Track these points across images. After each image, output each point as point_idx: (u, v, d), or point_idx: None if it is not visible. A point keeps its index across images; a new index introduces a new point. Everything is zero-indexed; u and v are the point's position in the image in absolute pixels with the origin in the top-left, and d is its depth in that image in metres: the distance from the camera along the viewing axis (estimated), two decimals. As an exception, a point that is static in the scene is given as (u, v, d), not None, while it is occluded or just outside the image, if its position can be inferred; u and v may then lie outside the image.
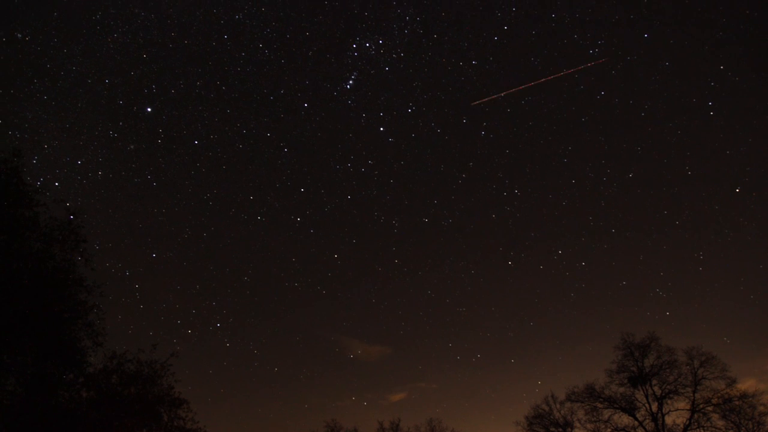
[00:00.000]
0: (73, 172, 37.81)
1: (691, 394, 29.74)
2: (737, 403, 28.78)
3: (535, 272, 45.99)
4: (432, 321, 47.65)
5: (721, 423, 28.93)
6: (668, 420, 29.98)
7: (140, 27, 38.00)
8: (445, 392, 49.83)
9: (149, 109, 39.66)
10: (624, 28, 39.95)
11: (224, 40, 40.02)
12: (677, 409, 30.07)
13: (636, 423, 30.40)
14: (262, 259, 46.60)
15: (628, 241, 45.70)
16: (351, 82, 41.66)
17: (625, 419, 30.68)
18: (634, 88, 42.63)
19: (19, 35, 34.59)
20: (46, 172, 36.48)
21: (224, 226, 44.38)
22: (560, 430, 31.68)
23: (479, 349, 49.97)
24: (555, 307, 47.62)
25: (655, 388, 30.71)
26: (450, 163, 45.89)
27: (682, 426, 29.56)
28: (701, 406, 29.43)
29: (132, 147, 40.39)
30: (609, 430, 30.76)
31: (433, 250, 48.26)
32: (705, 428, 29.12)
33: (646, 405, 30.65)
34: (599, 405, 31.23)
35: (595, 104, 43.46)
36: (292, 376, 47.44)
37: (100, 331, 16.45)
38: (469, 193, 45.99)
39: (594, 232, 44.77)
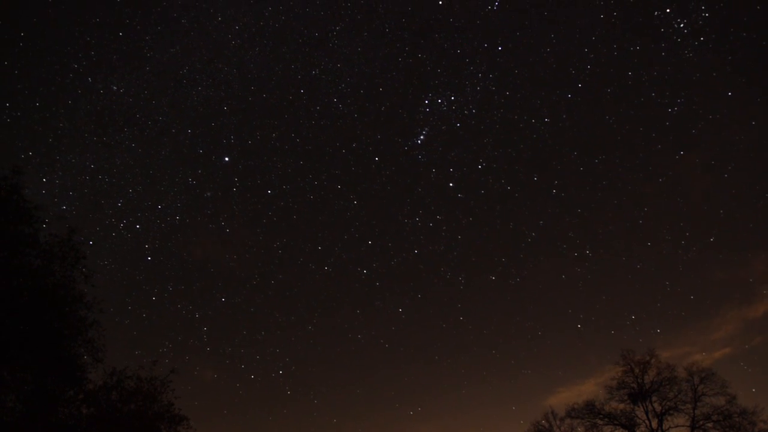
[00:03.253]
0: (154, 215, 39.67)
1: (691, 411, 29.67)
2: (737, 419, 28.67)
3: (606, 337, 43.31)
4: (495, 383, 45.88)
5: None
6: (668, 436, 29.94)
7: (222, 81, 40.28)
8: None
9: (227, 159, 41.66)
10: (705, 87, 39.04)
11: (300, 94, 41.33)
12: (677, 426, 30.01)
13: (636, 439, 30.36)
14: (327, 310, 46.27)
15: (708, 308, 43.56)
16: (422, 137, 41.91)
17: (625, 436, 30.64)
18: (716, 148, 41.07)
19: (115, 87, 37.30)
20: (129, 215, 38.95)
21: (292, 275, 44.74)
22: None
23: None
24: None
25: (655, 405, 30.62)
26: (519, 221, 44.34)
27: (682, 442, 29.53)
28: (701, 422, 29.34)
29: (209, 194, 41.95)
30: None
31: (499, 310, 46.88)
32: (705, 444, 29.07)
33: (646, 421, 30.58)
34: (599, 422, 31.13)
35: (673, 164, 41.85)
36: (350, 429, 47.43)
37: (100, 348, 16.40)
38: (538, 252, 44.49)
39: (670, 298, 42.70)
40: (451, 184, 42.89)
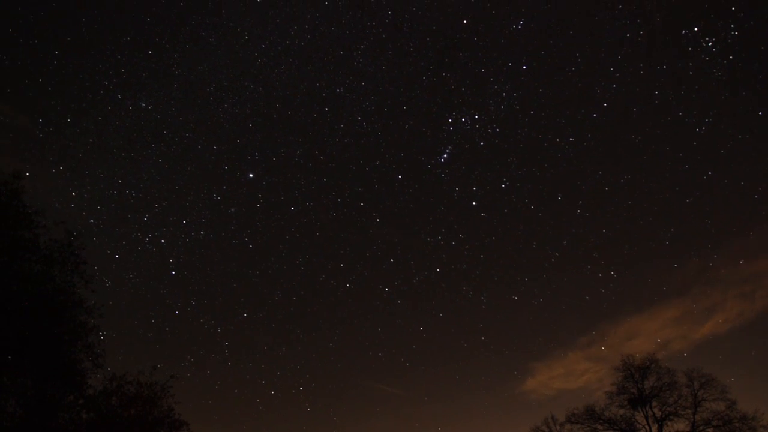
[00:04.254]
0: (178, 230, 40.08)
1: (691, 416, 29.61)
2: (737, 425, 28.59)
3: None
4: (516, 402, 45.41)
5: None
6: (668, 441, 29.93)
7: (248, 98, 40.50)
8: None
9: (251, 175, 41.69)
10: (733, 106, 38.03)
11: (324, 111, 41.32)
12: (677, 431, 29.97)
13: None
14: (348, 327, 46.05)
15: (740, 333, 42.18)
16: (445, 155, 41.32)
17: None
18: (745, 169, 39.43)
19: (143, 104, 38.12)
20: (155, 229, 39.13)
21: (313, 292, 44.59)
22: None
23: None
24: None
25: (656, 410, 30.49)
26: (543, 241, 43.50)
27: (682, 447, 29.52)
28: (701, 427, 29.26)
29: (233, 210, 42.09)
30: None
31: (521, 329, 46.33)
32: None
33: (646, 427, 30.45)
34: (599, 427, 31.04)
35: (701, 184, 40.32)
36: (370, 447, 47.14)
37: (100, 353, 16.36)
38: (562, 272, 43.35)
39: (697, 320, 41.90)
40: (474, 203, 42.11)
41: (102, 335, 16.70)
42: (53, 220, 15.68)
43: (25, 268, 15.22)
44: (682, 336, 42.06)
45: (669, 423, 30.05)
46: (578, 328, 45.14)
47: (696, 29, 35.47)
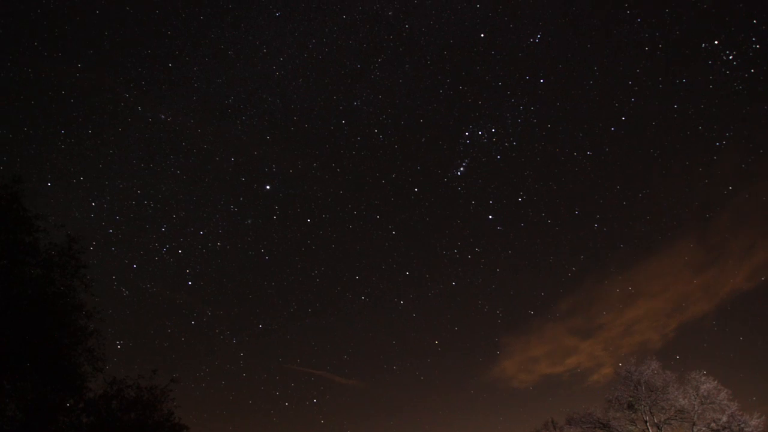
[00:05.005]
0: (195, 241, 41.12)
1: (691, 423, 29.44)
2: (736, 428, 28.39)
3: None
4: (531, 417, 46.17)
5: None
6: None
7: (266, 111, 41.55)
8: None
9: (268, 187, 42.53)
10: (755, 120, 37.75)
11: (342, 124, 42.01)
12: (677, 436, 29.78)
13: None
14: (363, 339, 46.46)
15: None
16: (462, 169, 41.96)
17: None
18: (761, 176, 39.65)
19: (162, 116, 39.30)
20: (172, 240, 40.18)
21: (329, 304, 45.39)
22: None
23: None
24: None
25: (654, 416, 30.49)
26: (559, 255, 44.18)
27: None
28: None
29: (249, 221, 42.89)
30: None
31: (538, 344, 46.97)
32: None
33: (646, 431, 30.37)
34: (599, 431, 30.97)
35: (722, 199, 40.45)
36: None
37: (100, 357, 16.33)
38: (579, 286, 43.96)
39: (718, 340, 41.80)
40: (490, 217, 42.55)
41: (104, 340, 16.69)
42: (54, 224, 15.75)
43: (25, 272, 15.23)
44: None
45: (668, 428, 29.86)
46: (597, 340, 44.44)
47: (716, 42, 34.94)
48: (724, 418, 28.61)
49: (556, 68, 39.86)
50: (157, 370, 17.50)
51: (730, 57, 34.76)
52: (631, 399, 30.71)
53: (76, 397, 16.22)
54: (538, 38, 38.58)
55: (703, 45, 35.58)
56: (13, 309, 14.77)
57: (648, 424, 30.36)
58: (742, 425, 28.11)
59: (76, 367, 16.10)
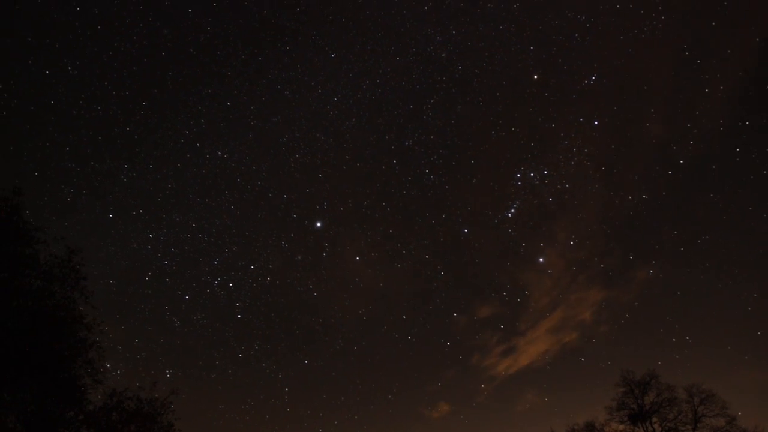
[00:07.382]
0: (246, 275, 41.18)
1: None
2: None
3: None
4: None
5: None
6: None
7: (319, 149, 41.57)
8: None
9: (319, 224, 42.56)
10: None
11: (393, 164, 41.86)
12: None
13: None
14: (408, 379, 45.69)
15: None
16: (513, 210, 40.93)
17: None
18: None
19: (219, 153, 40.28)
20: (224, 273, 40.60)
21: (375, 342, 44.59)
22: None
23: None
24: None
25: (656, 426, 30.16)
26: (613, 302, 42.83)
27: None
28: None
29: (299, 258, 43.05)
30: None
31: (589, 392, 45.55)
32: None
33: (647, 441, 29.75)
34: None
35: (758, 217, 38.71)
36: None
37: (100, 369, 16.31)
38: (634, 335, 42.46)
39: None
40: (541, 260, 41.48)
41: (104, 352, 16.66)
42: (54, 236, 15.79)
43: (24, 284, 15.28)
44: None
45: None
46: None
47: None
48: (723, 425, 28.04)
49: (611, 110, 38.82)
50: (158, 382, 17.48)
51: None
52: (632, 409, 30.13)
53: (76, 408, 16.21)
54: (593, 80, 37.57)
55: None
56: (13, 321, 14.80)
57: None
58: None
59: (76, 378, 16.09)
